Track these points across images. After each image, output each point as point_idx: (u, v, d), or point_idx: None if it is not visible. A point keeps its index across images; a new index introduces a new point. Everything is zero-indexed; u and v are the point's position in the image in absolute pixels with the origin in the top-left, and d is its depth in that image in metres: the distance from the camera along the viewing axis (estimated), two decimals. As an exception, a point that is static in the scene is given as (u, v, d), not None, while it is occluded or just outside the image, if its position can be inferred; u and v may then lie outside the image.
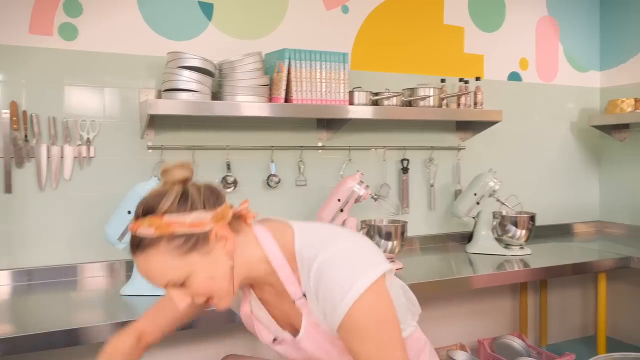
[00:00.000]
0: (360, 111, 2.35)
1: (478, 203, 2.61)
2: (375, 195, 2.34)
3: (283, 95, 2.23)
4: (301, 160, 2.47)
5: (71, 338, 1.54)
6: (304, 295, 1.05)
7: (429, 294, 2.79)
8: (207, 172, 2.29)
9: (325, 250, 1.01)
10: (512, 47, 3.03)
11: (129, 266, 2.12)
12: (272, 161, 2.40)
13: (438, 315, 2.86)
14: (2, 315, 1.70)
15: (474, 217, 2.66)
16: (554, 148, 3.18)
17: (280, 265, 1.05)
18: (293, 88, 2.24)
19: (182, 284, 1.00)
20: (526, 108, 3.09)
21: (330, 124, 2.52)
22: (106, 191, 2.13)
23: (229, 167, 2.32)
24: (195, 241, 0.98)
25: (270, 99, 2.23)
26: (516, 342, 2.80)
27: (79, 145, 2.08)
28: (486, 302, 2.99)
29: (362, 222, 2.31)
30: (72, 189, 2.09)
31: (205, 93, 2.09)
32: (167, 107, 1.99)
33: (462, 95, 2.65)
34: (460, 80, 2.70)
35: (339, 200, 2.27)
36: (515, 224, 2.59)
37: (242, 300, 1.23)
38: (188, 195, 0.99)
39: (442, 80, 2.69)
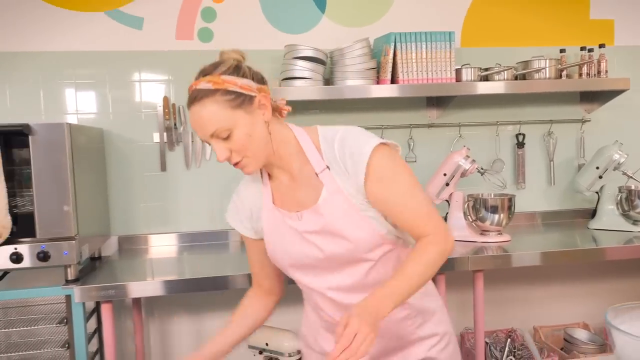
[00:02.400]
0: (468, 87, 2.40)
1: (601, 177, 2.50)
2: (482, 169, 2.38)
3: (389, 77, 2.38)
4: (411, 138, 2.61)
5: (214, 283, 1.96)
6: (327, 167, 1.23)
7: (551, 269, 2.75)
8: (323, 151, 2.55)
9: (343, 128, 1.25)
10: (649, 8, 2.79)
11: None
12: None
13: (561, 292, 2.79)
14: (168, 265, 2.21)
15: (597, 192, 2.55)
16: None
17: (306, 142, 1.25)
18: (399, 69, 2.37)
19: (226, 138, 1.16)
20: (668, 74, 2.82)
21: (440, 101, 2.61)
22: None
23: (342, 146, 2.54)
24: (243, 100, 1.18)
25: (377, 81, 2.40)
26: (651, 326, 2.62)
27: (215, 130, 2.47)
28: (617, 282, 2.84)
29: (469, 195, 2.38)
30: (211, 167, 2.49)
31: (317, 79, 2.34)
32: (282, 94, 2.28)
33: (583, 64, 2.54)
34: (582, 49, 2.59)
35: (444, 174, 2.37)
36: (645, 199, 2.43)
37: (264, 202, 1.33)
38: (241, 67, 1.22)
39: (562, 51, 2.60)
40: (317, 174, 1.23)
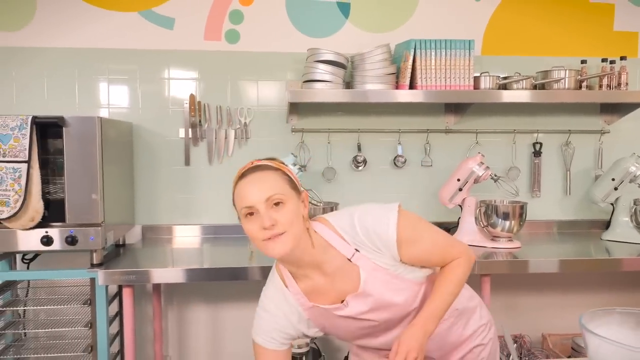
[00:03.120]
0: (493, 95, 2.43)
1: (616, 189, 2.50)
2: (495, 176, 2.42)
3: (408, 82, 2.44)
4: (427, 143, 2.66)
5: (232, 274, 2.06)
6: (357, 250, 1.31)
7: (563, 277, 2.77)
8: (341, 152, 2.63)
9: (354, 212, 1.34)
10: (675, 21, 2.77)
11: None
12: (399, 143, 2.64)
13: (573, 302, 2.81)
14: (188, 255, 2.32)
15: (611, 204, 2.56)
16: None
17: (328, 234, 1.33)
18: (418, 75, 2.43)
19: (277, 206, 1.24)
20: (693, 88, 2.80)
21: (458, 108, 2.65)
22: (258, 166, 2.60)
23: (359, 148, 2.62)
24: (295, 187, 1.30)
25: (396, 87, 2.46)
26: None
27: (238, 128, 2.58)
28: (629, 294, 2.83)
29: (481, 201, 2.42)
30: (233, 163, 2.60)
31: (338, 83, 2.41)
32: (303, 96, 2.36)
33: (603, 76, 2.55)
34: (604, 60, 2.59)
35: (458, 180, 2.41)
36: (661, 213, 2.43)
37: (304, 310, 1.37)
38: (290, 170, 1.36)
39: (583, 62, 2.61)
40: (349, 260, 1.32)
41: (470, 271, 1.40)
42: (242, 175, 1.29)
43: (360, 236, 1.30)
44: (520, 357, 2.45)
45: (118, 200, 2.28)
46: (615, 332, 1.00)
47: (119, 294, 2.44)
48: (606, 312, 1.00)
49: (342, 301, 1.34)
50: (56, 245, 2.01)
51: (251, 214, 1.25)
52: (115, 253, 2.31)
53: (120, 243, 2.47)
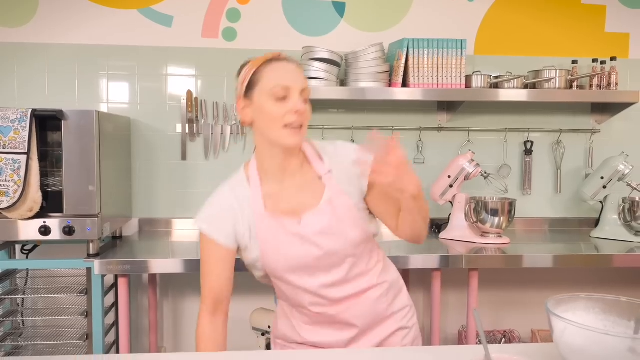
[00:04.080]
0: (477, 94, 2.49)
1: (605, 187, 2.54)
2: (485, 173, 2.46)
3: (401, 81, 2.48)
4: (420, 140, 2.71)
5: None
6: (330, 171, 1.37)
7: (552, 274, 2.82)
8: (335, 149, 2.68)
9: (337, 141, 1.44)
10: (666, 22, 2.81)
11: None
12: (392, 140, 2.68)
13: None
14: (183, 247, 2.37)
15: (601, 202, 2.60)
16: None
17: (310, 152, 1.39)
18: (410, 74, 2.48)
19: (305, 101, 1.31)
20: (683, 89, 2.84)
21: (450, 106, 2.70)
22: (254, 161, 2.65)
23: (353, 144, 2.67)
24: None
25: (389, 85, 2.51)
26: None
27: (234, 124, 2.63)
28: (617, 290, 2.85)
29: (471, 198, 2.46)
30: (229, 158, 2.65)
31: (332, 80, 2.46)
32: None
33: (594, 76, 2.59)
34: (594, 61, 2.64)
35: (449, 176, 2.46)
36: (648, 211, 2.47)
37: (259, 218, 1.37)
38: None
39: (574, 62, 2.65)
40: (320, 178, 1.36)
41: (427, 223, 1.44)
42: (276, 59, 1.33)
43: (340, 157, 1.37)
44: (509, 352, 2.49)
45: (115, 192, 2.34)
46: (580, 317, 1.04)
47: (115, 285, 2.50)
48: (572, 297, 1.04)
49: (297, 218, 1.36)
50: (54, 235, 2.06)
51: (283, 97, 1.28)
52: (112, 245, 2.37)
53: (118, 235, 2.52)
